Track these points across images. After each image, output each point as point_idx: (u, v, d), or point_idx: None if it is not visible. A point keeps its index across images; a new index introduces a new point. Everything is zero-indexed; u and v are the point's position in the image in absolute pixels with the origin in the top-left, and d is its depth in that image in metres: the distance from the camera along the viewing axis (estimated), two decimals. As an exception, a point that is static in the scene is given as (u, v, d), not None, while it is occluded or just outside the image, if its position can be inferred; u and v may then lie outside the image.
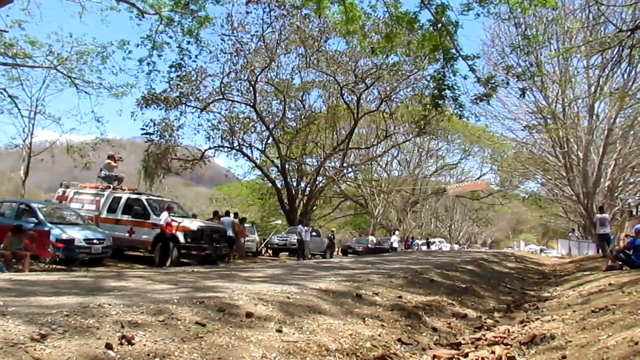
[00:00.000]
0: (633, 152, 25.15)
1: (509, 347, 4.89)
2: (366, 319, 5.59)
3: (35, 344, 3.10)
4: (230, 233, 18.23)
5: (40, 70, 24.82)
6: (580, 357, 3.90)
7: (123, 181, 19.36)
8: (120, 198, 17.31)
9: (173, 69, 22.08)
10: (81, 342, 3.28)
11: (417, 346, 5.02)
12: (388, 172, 46.86)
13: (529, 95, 23.73)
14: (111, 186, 18.19)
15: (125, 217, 16.74)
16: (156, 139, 25.46)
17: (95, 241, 14.37)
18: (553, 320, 5.91)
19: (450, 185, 45.44)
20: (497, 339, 5.24)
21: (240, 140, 29.91)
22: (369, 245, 32.17)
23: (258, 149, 31.92)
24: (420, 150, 45.22)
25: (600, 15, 16.79)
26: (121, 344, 3.38)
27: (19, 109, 26.17)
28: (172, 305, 4.55)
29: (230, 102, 27.94)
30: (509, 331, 5.63)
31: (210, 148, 29.39)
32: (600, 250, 19.68)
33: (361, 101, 29.07)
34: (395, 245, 32.13)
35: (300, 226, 23.15)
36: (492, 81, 13.46)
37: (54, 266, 12.75)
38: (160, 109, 24.96)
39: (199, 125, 32.49)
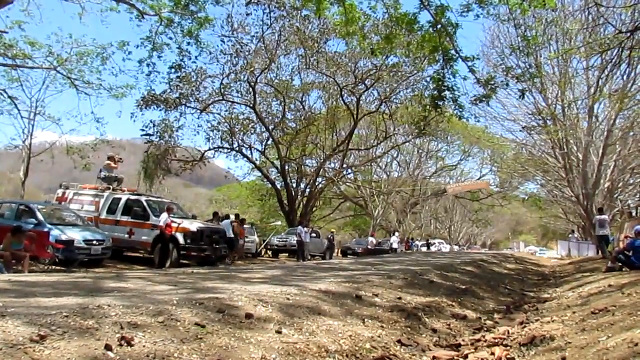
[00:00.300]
0: (633, 153, 25.16)
1: (508, 348, 4.89)
2: (366, 320, 5.59)
3: (34, 345, 3.10)
4: (230, 235, 18.23)
5: (40, 71, 24.82)
6: (580, 358, 3.90)
7: (122, 182, 19.36)
8: (119, 199, 17.31)
9: (173, 70, 22.11)
10: (80, 343, 3.28)
11: (417, 347, 5.02)
12: (388, 173, 46.87)
13: (529, 97, 23.77)
14: (111, 187, 18.19)
15: (125, 218, 16.74)
16: (156, 140, 25.47)
17: (94, 242, 14.35)
18: (553, 321, 5.91)
19: (450, 185, 45.52)
20: (496, 340, 5.24)
21: (239, 141, 29.92)
22: (369, 247, 32.16)
23: (258, 150, 31.95)
24: (420, 151, 45.19)
25: (599, 17, 16.80)
26: (120, 345, 3.38)
27: (18, 110, 26.17)
28: (172, 306, 4.55)
29: (230, 103, 27.96)
30: (508, 332, 5.64)
31: (209, 149, 29.44)
32: (599, 252, 19.68)
33: (361, 102, 29.07)
34: (395, 246, 32.12)
35: (299, 227, 23.15)
36: (492, 82, 13.46)
37: (53, 267, 12.74)
38: (160, 110, 25.00)
39: (198, 126, 32.67)
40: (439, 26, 11.21)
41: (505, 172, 39.66)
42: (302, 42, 25.13)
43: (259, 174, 34.62)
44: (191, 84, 24.90)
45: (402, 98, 28.86)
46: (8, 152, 31.26)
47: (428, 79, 22.22)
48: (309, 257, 23.86)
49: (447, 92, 12.66)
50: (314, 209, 36.54)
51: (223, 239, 17.46)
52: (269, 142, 30.79)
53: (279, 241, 26.97)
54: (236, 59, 24.86)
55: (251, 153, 31.37)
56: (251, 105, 27.14)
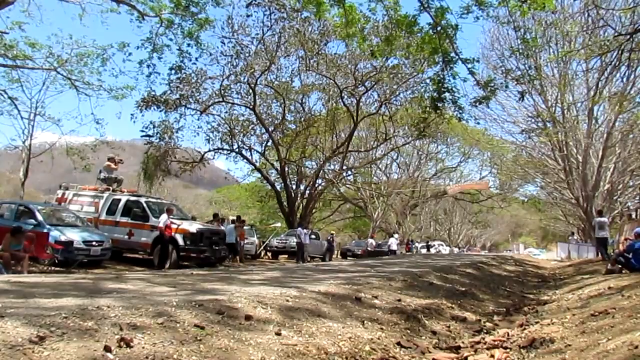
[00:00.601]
0: (632, 155, 25.19)
1: (508, 350, 4.89)
2: (365, 322, 5.59)
3: (33, 346, 3.10)
4: (232, 239, 18.28)
5: (40, 72, 24.84)
6: (580, 360, 3.90)
7: (122, 183, 19.37)
8: (119, 200, 17.32)
9: (173, 71, 22.12)
10: (80, 344, 3.28)
11: (417, 349, 5.02)
12: (387, 174, 46.90)
13: (528, 99, 23.81)
14: (110, 188, 18.19)
15: (125, 219, 16.75)
16: (156, 141, 25.48)
17: (94, 243, 14.36)
18: (552, 323, 5.90)
19: (450, 186, 45.61)
20: (496, 343, 5.24)
21: (239, 143, 29.93)
22: (369, 248, 32.16)
23: (257, 151, 31.95)
24: (420, 153, 45.24)
25: (599, 19, 16.82)
26: (120, 346, 3.38)
27: (18, 111, 26.18)
28: (171, 308, 4.55)
29: (230, 104, 27.96)
30: (508, 335, 5.63)
31: (209, 150, 29.47)
32: (599, 254, 19.68)
33: (361, 104, 29.08)
34: (394, 248, 32.18)
35: (299, 229, 23.15)
36: (491, 84, 13.48)
37: (52, 268, 12.74)
38: (160, 111, 25.01)
39: (198, 127, 32.65)
40: (438, 28, 11.22)
41: (505, 174, 39.68)
42: (302, 44, 25.14)
43: (259, 175, 34.64)
44: (191, 85, 24.91)
45: (402, 100, 28.87)
46: (8, 153, 31.30)
47: (428, 80, 22.22)
48: (309, 259, 23.85)
49: (447, 94, 12.68)
50: (314, 210, 36.54)
51: (222, 241, 17.48)
52: (269, 143, 30.79)
53: (279, 243, 26.97)
54: (236, 60, 24.89)
55: (251, 154, 31.43)
56: (251, 106, 27.15)
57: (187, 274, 9.85)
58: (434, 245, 48.69)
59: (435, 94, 13.06)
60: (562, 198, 31.77)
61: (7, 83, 24.76)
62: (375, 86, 27.88)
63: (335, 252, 33.66)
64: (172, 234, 15.30)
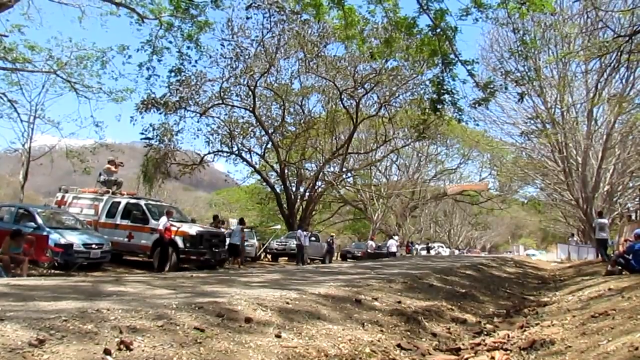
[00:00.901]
0: (632, 156, 25.21)
1: (508, 352, 4.88)
2: (365, 324, 5.58)
3: (33, 349, 3.10)
4: (236, 241, 18.29)
5: (39, 74, 24.89)
6: (580, 362, 3.89)
7: (122, 186, 19.36)
8: (119, 203, 17.31)
9: (173, 74, 22.03)
10: (80, 347, 3.27)
11: (417, 351, 5.01)
12: (387, 176, 46.88)
13: (528, 100, 23.84)
14: (110, 191, 18.19)
15: (124, 222, 16.74)
16: (155, 143, 25.47)
17: (94, 246, 14.34)
18: (553, 325, 5.90)
19: (449, 186, 45.65)
20: (496, 344, 5.23)
21: (239, 145, 29.96)
22: (368, 250, 32.16)
23: (257, 153, 31.98)
24: (420, 154, 45.25)
25: (598, 21, 16.85)
26: (120, 349, 3.37)
27: (18, 114, 26.22)
28: (171, 311, 4.54)
29: (229, 106, 27.99)
30: (508, 336, 5.62)
31: (209, 153, 29.45)
32: (599, 255, 19.66)
33: (360, 106, 29.10)
34: (393, 249, 32.21)
35: (299, 231, 23.14)
36: (491, 86, 13.49)
37: (52, 271, 12.72)
38: (160, 114, 24.99)
39: (198, 130, 32.49)
40: (438, 30, 11.23)
41: (505, 176, 39.70)
42: (301, 46, 25.17)
43: (259, 177, 34.64)
44: (191, 87, 24.91)
45: (402, 102, 28.89)
46: (7, 156, 31.32)
47: (427, 82, 22.27)
48: (309, 261, 23.84)
49: (446, 96, 12.67)
50: (314, 212, 36.53)
51: (222, 243, 17.47)
52: (269, 145, 30.82)
53: (279, 245, 26.95)
54: (236, 62, 24.90)
55: (251, 157, 31.46)
56: (251, 109, 27.16)
57: (187, 277, 9.84)
58: (434, 247, 48.69)
59: (434, 96, 13.07)
60: (562, 199, 31.79)
61: (7, 86, 24.83)
62: (374, 88, 27.91)
63: (335, 254, 33.64)
64: (172, 236, 15.29)
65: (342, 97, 28.34)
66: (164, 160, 25.98)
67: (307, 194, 32.17)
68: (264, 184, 34.49)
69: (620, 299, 6.73)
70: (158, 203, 18.79)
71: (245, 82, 26.19)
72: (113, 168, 18.84)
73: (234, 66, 25.06)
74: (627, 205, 29.58)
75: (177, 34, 17.86)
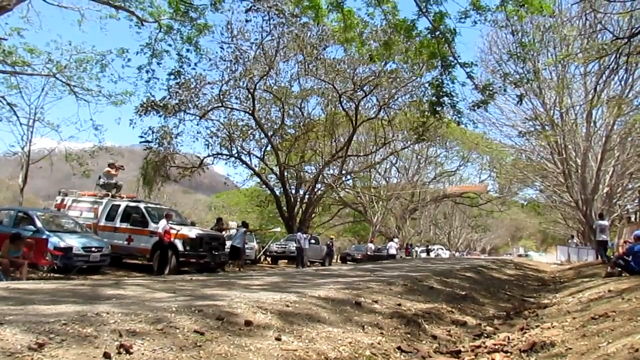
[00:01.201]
0: (631, 158, 25.23)
1: (509, 354, 4.88)
2: (365, 326, 5.58)
3: (33, 353, 3.09)
4: (238, 244, 18.29)
5: (39, 78, 24.87)
6: (581, 364, 3.89)
7: (121, 189, 19.35)
8: (118, 206, 17.30)
9: (172, 77, 22.08)
10: (79, 351, 3.27)
11: (417, 354, 5.01)
12: (387, 179, 46.91)
13: (527, 102, 23.87)
14: (110, 194, 18.18)
15: (124, 225, 16.73)
16: (155, 146, 25.42)
17: (93, 249, 14.32)
18: (553, 327, 5.89)
19: (449, 187, 45.69)
20: (496, 347, 5.22)
21: (239, 148, 29.93)
22: (368, 253, 32.17)
23: (257, 156, 31.97)
24: (419, 157, 45.27)
25: (597, 23, 16.88)
26: (119, 353, 3.37)
27: (17, 117, 26.22)
28: (171, 314, 4.54)
29: (229, 109, 27.98)
30: (508, 338, 5.61)
31: (209, 155, 29.42)
32: (599, 257, 19.66)
33: (360, 108, 29.10)
34: (393, 252, 32.22)
35: (299, 233, 23.13)
36: (490, 88, 13.50)
37: (52, 274, 12.71)
38: (159, 117, 24.95)
39: (197, 132, 32.50)
40: (437, 32, 11.26)
41: (504, 178, 39.71)
42: (301, 49, 25.19)
43: (258, 180, 34.63)
44: (190, 90, 24.89)
45: (401, 104, 28.91)
46: (7, 159, 31.31)
47: (427, 85, 22.27)
48: (308, 264, 23.83)
49: (445, 98, 12.69)
50: (313, 215, 36.51)
51: (222, 246, 17.46)
52: (268, 148, 30.83)
53: (278, 247, 26.93)
54: (235, 65, 24.90)
55: (250, 159, 31.43)
56: (250, 111, 27.16)
57: (187, 280, 9.84)
58: (434, 249, 48.68)
59: (433, 98, 13.09)
60: (562, 201, 31.82)
61: (6, 89, 24.85)
62: (374, 90, 27.91)
63: (335, 256, 33.62)
64: (172, 239, 15.28)
65: (342, 99, 28.35)
66: (164, 163, 25.95)
67: (307, 196, 32.17)
68: (264, 186, 34.50)
69: (620, 301, 6.73)
70: (157, 206, 18.78)
71: (244, 85, 26.20)
72: (113, 171, 18.83)
73: (234, 69, 25.08)
74: (627, 207, 29.59)
75: (176, 36, 17.91)
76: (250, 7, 20.32)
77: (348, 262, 32.46)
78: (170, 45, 18.60)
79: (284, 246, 26.51)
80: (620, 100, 20.02)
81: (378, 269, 14.60)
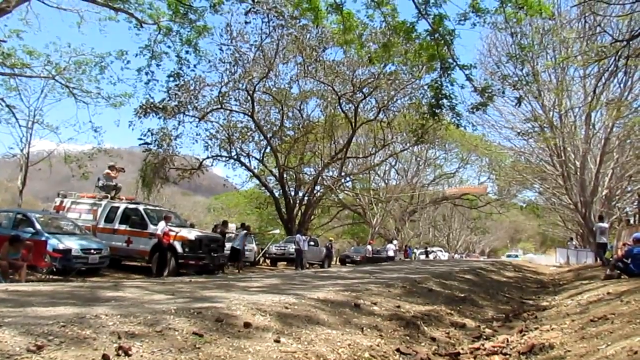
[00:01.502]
0: (630, 161, 25.23)
1: (507, 356, 4.88)
2: (364, 328, 5.57)
3: (31, 355, 3.09)
4: (238, 245, 18.31)
5: (38, 80, 24.90)
6: (580, 367, 3.89)
7: (121, 191, 19.34)
8: (117, 208, 17.30)
9: (171, 79, 22.12)
10: (78, 353, 3.26)
11: (416, 356, 5.00)
12: (386, 181, 46.88)
13: (526, 105, 23.84)
14: (109, 196, 18.17)
15: (123, 227, 16.72)
16: (154, 148, 25.42)
17: (92, 251, 14.33)
18: (552, 329, 5.89)
19: (449, 189, 45.70)
20: (495, 349, 5.22)
21: (238, 150, 29.93)
22: (366, 255, 32.20)
23: (256, 158, 31.96)
24: (418, 159, 45.24)
25: (596, 26, 16.89)
26: (118, 355, 3.36)
27: (16, 119, 26.22)
28: (170, 316, 4.54)
29: (228, 111, 27.98)
30: (507, 341, 5.61)
31: (208, 157, 29.43)
32: (598, 259, 19.65)
33: (359, 110, 29.11)
34: (391, 254, 32.23)
35: (298, 235, 23.12)
36: (489, 90, 13.52)
37: (50, 276, 12.70)
38: (159, 119, 24.96)
39: (197, 134, 32.44)
40: (436, 35, 11.27)
41: (504, 180, 39.70)
42: (300, 51, 25.21)
43: (257, 182, 34.63)
44: (190, 92, 24.90)
45: (400, 106, 28.92)
46: (6, 161, 31.31)
47: (426, 87, 22.30)
48: (308, 266, 23.81)
49: (444, 100, 12.71)
50: (313, 217, 36.52)
51: (221, 248, 17.45)
52: (267, 150, 30.82)
53: (278, 249, 26.92)
54: (235, 67, 24.91)
55: (249, 161, 31.44)
56: (249, 113, 27.17)
57: (186, 282, 9.83)
58: (433, 251, 48.66)
59: (433, 101, 13.10)
60: (561, 203, 31.81)
61: (5, 91, 24.85)
62: (373, 92, 27.92)
63: (334, 258, 33.61)
64: (171, 241, 15.27)
65: (341, 101, 28.36)
66: (163, 165, 25.94)
67: (306, 198, 32.18)
68: (263, 188, 34.49)
69: (619, 303, 6.73)
70: (157, 208, 18.78)
71: (244, 87, 26.22)
72: (112, 173, 18.80)
73: (233, 71, 25.09)
74: (626, 210, 29.61)
75: (175, 38, 17.95)
76: (250, 9, 20.37)
77: (347, 264, 32.44)
78: (169, 47, 18.65)
79: (283, 248, 26.51)
80: (619, 102, 20.01)
81: (377, 271, 14.60)
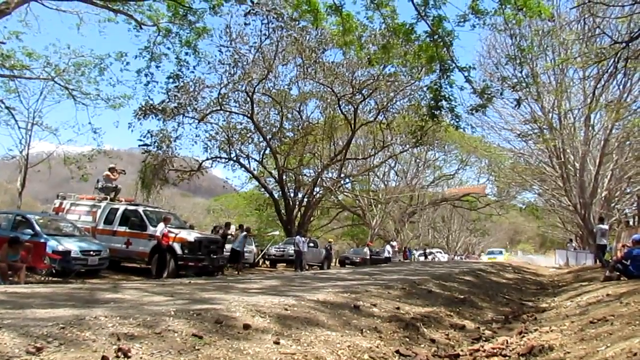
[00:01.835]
0: (629, 162, 25.27)
1: (507, 358, 4.88)
2: (364, 330, 5.57)
3: (31, 357, 3.09)
4: (238, 247, 18.30)
5: (37, 81, 24.92)
6: (579, 368, 3.89)
7: (120, 192, 19.33)
8: (117, 209, 17.27)
9: (171, 80, 22.11)
10: (77, 355, 3.26)
11: (415, 358, 5.00)
12: (385, 182, 46.85)
13: (525, 106, 23.89)
14: (108, 197, 18.15)
15: (122, 229, 16.69)
16: (153, 150, 25.40)
17: (91, 253, 14.30)
18: (551, 331, 5.89)
19: (448, 189, 45.71)
20: (495, 350, 5.22)
21: (237, 151, 29.92)
22: (364, 257, 32.22)
23: (255, 159, 31.94)
24: (418, 160, 45.25)
25: (595, 27, 16.91)
26: (117, 356, 3.36)
27: (16, 121, 26.23)
28: (169, 318, 4.53)
29: (227, 113, 27.96)
30: (507, 342, 5.61)
31: (207, 159, 29.40)
32: (597, 261, 19.64)
33: (358, 112, 29.10)
34: (388, 255, 32.15)
35: (297, 237, 23.10)
36: (488, 92, 13.54)
37: (50, 278, 12.68)
38: (158, 120, 24.95)
39: (196, 136, 32.56)
40: (435, 36, 11.29)
41: (503, 182, 39.73)
42: (300, 52, 25.22)
43: (257, 183, 34.59)
44: (189, 93, 24.89)
45: (400, 108, 28.93)
46: (5, 163, 31.29)
47: (425, 88, 22.28)
48: (307, 267, 23.79)
49: (443, 102, 12.72)
50: (312, 218, 36.47)
51: (221, 250, 17.44)
52: (267, 151, 30.81)
53: (277, 251, 26.91)
54: (234, 69, 24.91)
55: (249, 163, 31.41)
56: (249, 115, 27.17)
57: (185, 283, 9.83)
58: (432, 252, 48.60)
59: (432, 102, 13.12)
60: (560, 205, 31.84)
61: (5, 93, 24.85)
62: (372, 94, 27.93)
63: (334, 260, 33.58)
64: (170, 242, 15.25)
65: (340, 103, 28.36)
66: (162, 166, 25.92)
67: (306, 199, 32.15)
68: (262, 190, 34.44)
69: (619, 305, 6.74)
70: (156, 209, 18.76)
71: (243, 88, 26.21)
72: (112, 175, 18.78)
73: (232, 72, 25.09)
74: (625, 211, 29.64)
75: (175, 40, 17.96)
76: (249, 10, 20.39)
77: (347, 266, 32.41)
78: (169, 48, 18.66)
79: (282, 249, 26.49)
80: (618, 104, 20.05)
81: (377, 273, 14.60)
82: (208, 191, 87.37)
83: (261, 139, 29.55)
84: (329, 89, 27.88)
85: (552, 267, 32.84)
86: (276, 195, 31.71)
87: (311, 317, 5.56)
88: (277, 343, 4.38)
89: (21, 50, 22.14)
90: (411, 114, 27.51)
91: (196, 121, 26.79)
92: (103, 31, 31.52)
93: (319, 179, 31.91)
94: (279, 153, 30.23)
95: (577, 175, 24.29)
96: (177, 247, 15.43)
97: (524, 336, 5.95)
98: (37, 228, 14.07)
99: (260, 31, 23.47)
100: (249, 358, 3.88)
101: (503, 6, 10.91)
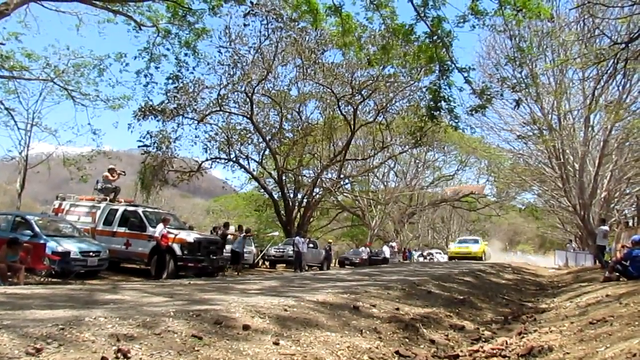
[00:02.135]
0: (629, 163, 25.28)
1: (506, 359, 4.87)
2: (363, 331, 5.57)
3: (30, 358, 3.09)
4: (238, 248, 18.32)
5: (37, 82, 24.93)
6: (579, 369, 3.89)
7: (119, 193, 19.32)
8: (116, 210, 17.26)
9: (170, 81, 22.14)
10: (76, 355, 3.26)
11: (415, 358, 5.00)
12: (385, 183, 46.88)
13: (525, 107, 23.89)
14: (108, 198, 18.15)
15: (122, 230, 16.67)
16: (153, 150, 25.43)
17: (91, 254, 14.28)
18: (551, 331, 5.89)
19: (448, 189, 45.75)
20: (494, 351, 5.22)
21: (237, 152, 29.95)
22: (363, 257, 32.23)
23: (255, 160, 31.97)
24: (417, 161, 45.29)
25: (595, 28, 16.94)
26: (117, 357, 3.36)
27: (15, 122, 26.26)
28: (168, 318, 4.53)
29: (227, 113, 28.00)
30: (506, 343, 5.61)
31: (207, 160, 29.41)
32: (596, 261, 19.63)
33: (358, 112, 29.13)
34: (387, 256, 32.12)
35: (297, 238, 23.10)
36: (487, 92, 13.54)
37: (49, 279, 12.67)
38: (157, 121, 24.98)
39: (195, 137, 32.51)
40: (435, 37, 11.30)
41: (502, 182, 39.74)
42: (299, 53, 25.25)
43: (256, 184, 34.61)
44: (189, 94, 24.92)
45: (399, 108, 28.98)
46: (5, 164, 31.29)
47: (424, 89, 22.32)
48: (307, 268, 23.79)
49: (443, 103, 12.73)
50: (312, 219, 36.48)
51: (220, 250, 17.44)
52: (266, 152, 30.84)
53: (277, 252, 26.91)
54: (233, 69, 24.95)
55: (248, 164, 31.44)
56: (248, 115, 27.18)
57: (185, 284, 9.82)
58: (430, 253, 48.57)
59: (431, 103, 13.13)
60: (560, 206, 31.85)
61: (4, 94, 24.87)
62: (372, 95, 27.96)
63: (333, 260, 33.58)
64: (169, 243, 15.25)
65: (340, 103, 28.39)
66: (162, 167, 25.94)
67: (305, 200, 32.15)
68: (262, 190, 34.46)
69: (618, 306, 6.74)
70: (155, 210, 18.75)
71: (242, 89, 26.24)
72: (111, 176, 18.76)
73: (232, 73, 25.13)
74: (624, 212, 29.65)
75: (174, 41, 17.94)
76: (249, 11, 20.39)
77: (346, 266, 32.41)
78: (168, 49, 18.65)
79: (282, 250, 26.48)
80: (618, 105, 20.06)
81: (376, 273, 14.59)
82: (207, 192, 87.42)
83: (261, 139, 29.57)
84: (328, 89, 27.91)
85: (552, 267, 32.83)
86: (276, 196, 31.73)
87: (311, 318, 5.56)
88: (276, 344, 4.37)
89: (20, 51, 22.17)
90: (410, 115, 27.56)
91: (196, 122, 26.83)
92: (102, 32, 31.58)
93: (319, 180, 31.94)
94: (278, 154, 30.24)
95: (577, 176, 24.29)
96: (176, 248, 15.43)
97: (523, 337, 5.95)
98: (37, 229, 14.05)
99: (260, 32, 23.54)
100: (248, 359, 3.89)
101: (502, 7, 10.92)
